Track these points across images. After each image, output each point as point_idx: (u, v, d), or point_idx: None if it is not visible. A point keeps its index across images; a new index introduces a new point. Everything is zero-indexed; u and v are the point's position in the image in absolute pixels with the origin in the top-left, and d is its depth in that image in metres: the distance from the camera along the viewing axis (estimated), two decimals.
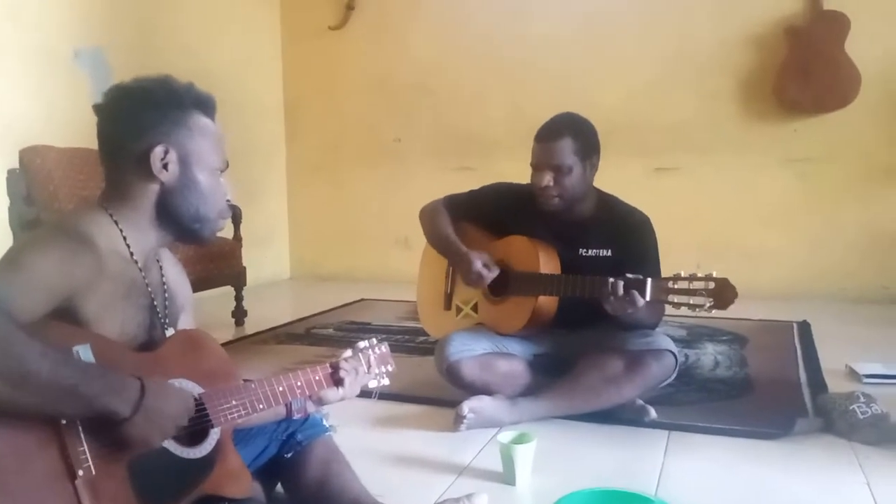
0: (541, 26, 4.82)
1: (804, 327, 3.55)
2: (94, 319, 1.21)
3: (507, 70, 4.94)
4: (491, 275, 2.35)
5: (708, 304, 1.91)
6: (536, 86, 4.80)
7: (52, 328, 1.14)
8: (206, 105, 1.37)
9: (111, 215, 1.31)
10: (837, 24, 4.12)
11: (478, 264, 2.34)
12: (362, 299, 4.53)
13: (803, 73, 4.20)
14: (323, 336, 3.60)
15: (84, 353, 1.15)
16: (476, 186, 2.63)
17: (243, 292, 3.93)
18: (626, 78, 4.67)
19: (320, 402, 1.60)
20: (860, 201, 4.30)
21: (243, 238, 3.95)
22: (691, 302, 1.94)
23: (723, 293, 1.91)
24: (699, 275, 1.94)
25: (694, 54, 4.52)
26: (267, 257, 5.33)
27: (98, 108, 1.34)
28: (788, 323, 3.65)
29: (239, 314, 3.92)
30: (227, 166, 1.41)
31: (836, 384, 2.57)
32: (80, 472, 1.10)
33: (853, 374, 2.71)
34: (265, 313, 4.08)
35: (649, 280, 2.00)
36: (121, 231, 1.31)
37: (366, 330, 3.71)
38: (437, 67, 5.13)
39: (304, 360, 3.06)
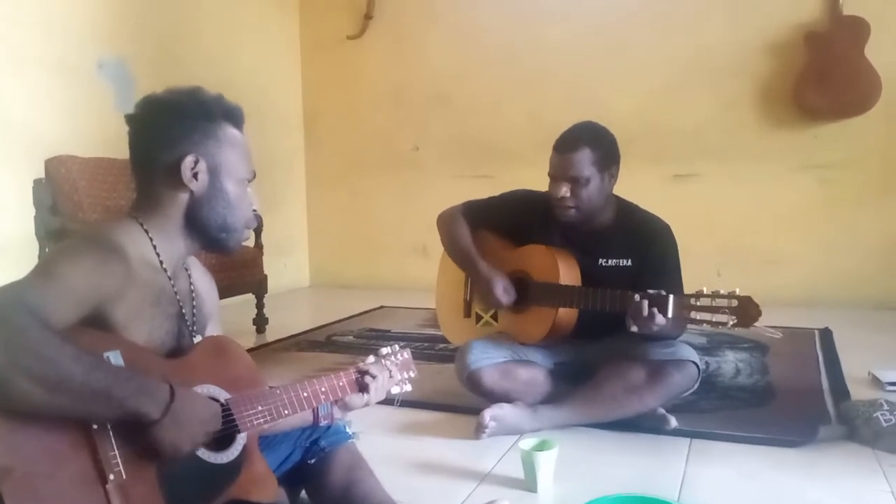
0: (557, 34, 4.84)
1: (826, 334, 3.52)
2: (123, 326, 1.23)
3: (524, 78, 4.96)
4: (510, 300, 2.35)
5: (731, 322, 1.89)
6: (554, 93, 4.81)
7: (83, 334, 1.16)
8: (234, 116, 1.40)
9: (141, 224, 1.34)
10: (857, 30, 4.11)
11: (499, 289, 2.34)
12: (382, 307, 4.55)
13: (823, 79, 4.19)
14: (343, 343, 3.62)
15: (114, 358, 1.17)
16: (494, 194, 2.61)
17: (264, 300, 3.97)
18: (643, 85, 4.67)
19: (346, 407, 1.62)
20: (880, 207, 4.28)
21: (263, 246, 3.98)
22: (714, 319, 1.92)
23: (746, 311, 1.88)
24: (722, 292, 1.92)
25: (711, 61, 4.52)
26: (287, 265, 5.37)
27: (130, 119, 1.36)
28: (810, 330, 3.62)
29: (260, 322, 3.96)
30: (254, 176, 1.43)
31: (859, 392, 2.55)
32: (111, 477, 1.11)
33: (876, 382, 2.69)
34: (286, 321, 4.11)
35: (671, 297, 1.98)
36: (151, 240, 1.33)
37: (385, 337, 3.73)
38: (454, 76, 5.16)
39: (324, 368, 3.08)
